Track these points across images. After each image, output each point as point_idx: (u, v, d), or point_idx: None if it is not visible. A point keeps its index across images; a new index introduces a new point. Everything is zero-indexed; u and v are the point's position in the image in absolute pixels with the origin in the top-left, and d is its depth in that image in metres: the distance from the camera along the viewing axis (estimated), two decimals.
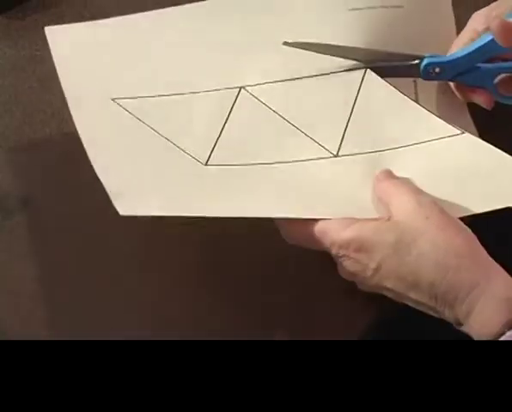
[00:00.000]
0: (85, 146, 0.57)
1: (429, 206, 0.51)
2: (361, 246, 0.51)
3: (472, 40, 0.62)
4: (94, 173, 0.65)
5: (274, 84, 0.61)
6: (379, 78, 0.61)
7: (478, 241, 0.51)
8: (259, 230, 0.58)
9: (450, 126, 0.58)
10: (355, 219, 0.53)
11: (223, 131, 0.59)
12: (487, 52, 0.61)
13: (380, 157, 0.57)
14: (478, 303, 0.49)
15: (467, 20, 0.64)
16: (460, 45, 0.63)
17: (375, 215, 0.54)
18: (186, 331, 0.58)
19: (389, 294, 0.53)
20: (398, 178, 0.55)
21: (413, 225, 0.51)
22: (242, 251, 0.61)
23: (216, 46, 0.64)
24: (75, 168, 0.66)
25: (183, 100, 0.61)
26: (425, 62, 0.62)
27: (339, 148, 0.58)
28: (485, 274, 0.49)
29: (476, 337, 0.49)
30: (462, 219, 0.52)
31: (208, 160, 0.58)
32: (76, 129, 0.67)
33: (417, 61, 0.62)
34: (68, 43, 0.64)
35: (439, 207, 0.52)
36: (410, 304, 0.52)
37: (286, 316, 0.59)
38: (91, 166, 0.65)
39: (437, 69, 0.62)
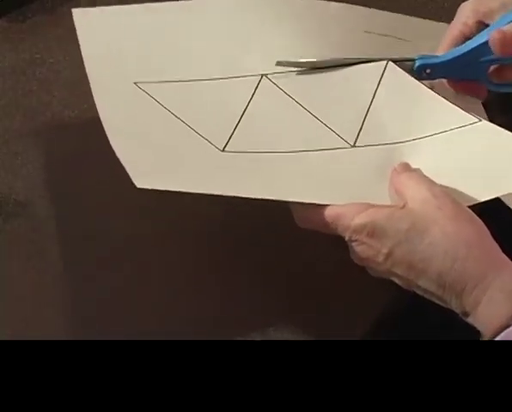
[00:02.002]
0: (104, 127, 0.57)
1: (442, 197, 0.52)
2: (374, 231, 0.52)
3: (463, 33, 0.62)
4: (95, 177, 0.65)
5: (295, 73, 0.61)
6: (400, 70, 0.61)
7: (488, 233, 0.51)
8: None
9: (468, 115, 0.59)
10: (369, 204, 0.53)
11: (243, 118, 0.59)
12: (480, 55, 0.61)
13: (398, 148, 0.58)
14: (485, 295, 0.49)
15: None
16: (451, 39, 0.63)
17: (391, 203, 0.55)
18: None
19: (399, 281, 0.53)
20: (414, 170, 0.56)
21: (426, 214, 0.51)
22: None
23: (240, 34, 0.65)
24: (75, 172, 0.66)
25: (204, 86, 0.61)
26: (417, 64, 0.62)
27: (357, 139, 0.58)
28: (494, 266, 0.50)
29: (482, 329, 0.49)
30: (474, 210, 0.53)
31: (225, 146, 0.58)
32: (76, 133, 0.68)
33: (409, 63, 0.62)
34: (94, 26, 0.64)
35: (452, 198, 0.52)
36: (418, 292, 0.53)
37: (287, 316, 0.59)
38: (91, 170, 0.66)
39: (428, 70, 0.62)
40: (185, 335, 0.58)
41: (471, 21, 0.62)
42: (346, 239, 0.53)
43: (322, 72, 0.61)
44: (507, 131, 0.57)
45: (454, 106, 0.59)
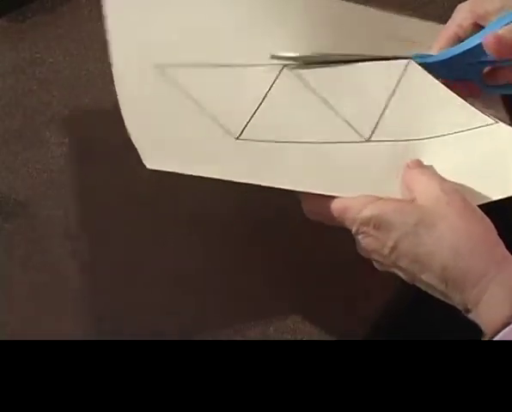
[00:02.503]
0: (120, 106, 0.57)
1: (451, 193, 0.52)
2: (381, 224, 0.52)
3: (457, 35, 0.62)
4: (95, 177, 0.65)
5: (315, 66, 0.61)
6: (421, 69, 0.61)
7: (495, 231, 0.52)
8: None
9: (485, 116, 0.59)
10: (377, 197, 0.53)
11: (260, 107, 0.59)
12: (474, 57, 0.61)
13: (412, 145, 0.58)
14: (487, 291, 0.49)
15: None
16: (445, 39, 0.63)
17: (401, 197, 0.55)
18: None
19: (403, 275, 0.53)
20: (427, 167, 0.56)
21: (434, 209, 0.52)
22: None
23: (265, 23, 0.64)
24: (75, 172, 0.66)
25: (225, 72, 0.61)
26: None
27: (372, 134, 0.58)
28: (497, 263, 0.50)
29: (483, 326, 0.50)
30: (482, 208, 0.53)
31: (240, 134, 0.58)
32: (76, 133, 0.68)
33: (404, 61, 0.62)
34: (122, 4, 0.64)
35: (461, 195, 0.53)
36: (421, 286, 0.53)
37: (286, 316, 0.59)
38: (91, 170, 0.66)
39: None
40: (186, 335, 0.58)
41: (466, 23, 0.62)
42: (353, 231, 0.54)
43: (343, 66, 0.62)
44: None
45: (471, 106, 0.59)
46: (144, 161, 0.53)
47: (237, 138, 0.58)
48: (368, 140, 0.58)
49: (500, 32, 0.58)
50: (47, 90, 0.70)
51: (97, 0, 0.76)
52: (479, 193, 0.55)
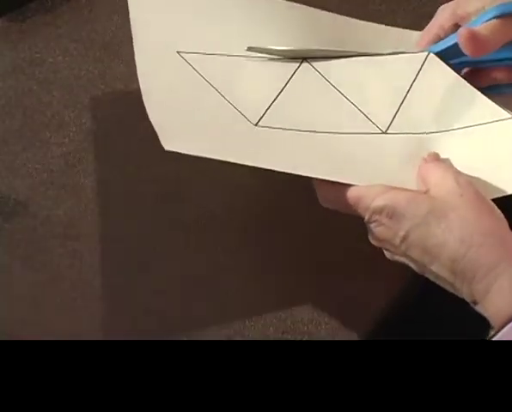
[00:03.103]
0: (142, 93, 0.57)
1: (465, 186, 0.52)
2: (393, 213, 0.52)
3: (438, 36, 0.62)
4: (95, 177, 0.65)
5: (335, 59, 0.62)
6: (441, 62, 0.61)
7: (507, 225, 0.51)
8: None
9: (503, 110, 0.58)
10: (391, 187, 0.54)
11: (279, 96, 0.60)
12: (451, 57, 0.60)
13: (429, 138, 0.58)
14: (495, 284, 0.49)
15: None
16: (427, 41, 0.63)
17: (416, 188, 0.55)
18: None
19: (413, 266, 0.53)
20: (443, 160, 0.56)
21: (447, 200, 0.52)
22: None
23: (285, 16, 0.66)
24: (75, 172, 0.66)
25: (246, 62, 0.62)
26: None
27: (389, 126, 0.59)
28: (507, 256, 0.50)
29: (490, 318, 0.50)
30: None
31: (258, 121, 0.58)
32: (76, 131, 0.68)
33: (424, 54, 0.61)
34: None
35: (475, 188, 0.53)
36: (431, 277, 0.53)
37: (286, 315, 0.59)
38: (91, 169, 0.66)
39: None
40: (185, 334, 0.58)
41: (448, 24, 0.62)
42: (366, 219, 0.54)
43: (361, 59, 0.62)
44: None
45: (489, 100, 0.59)
46: (162, 143, 0.53)
47: (256, 125, 0.58)
48: (386, 132, 0.58)
49: (476, 28, 0.57)
50: (47, 90, 0.70)
51: (97, 0, 0.77)
52: (494, 187, 0.55)
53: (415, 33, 0.66)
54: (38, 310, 0.59)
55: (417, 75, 0.61)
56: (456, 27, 0.61)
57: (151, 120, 0.55)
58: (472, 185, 0.53)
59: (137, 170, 0.66)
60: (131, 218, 0.63)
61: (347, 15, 0.68)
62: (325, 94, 0.60)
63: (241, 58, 0.62)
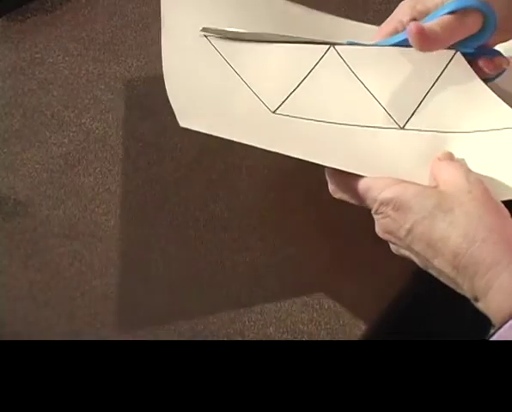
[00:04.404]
0: (164, 66, 0.59)
1: (475, 182, 0.52)
2: (400, 206, 0.52)
3: (396, 30, 0.61)
4: (95, 177, 0.65)
5: (364, 48, 0.61)
6: (467, 64, 0.60)
7: (507, 224, 0.51)
8: None
9: None
10: (400, 180, 0.54)
11: (301, 85, 0.60)
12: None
13: (445, 138, 0.58)
14: (496, 281, 0.49)
15: None
16: (384, 35, 0.62)
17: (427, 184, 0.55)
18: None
19: (416, 260, 0.54)
20: (456, 160, 0.56)
21: (454, 195, 0.52)
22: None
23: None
24: (75, 172, 0.66)
25: (271, 48, 0.62)
26: None
27: (407, 122, 0.59)
28: (510, 254, 0.49)
29: (491, 315, 0.50)
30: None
31: (277, 109, 0.59)
32: (76, 132, 0.68)
33: (451, 52, 0.60)
34: None
35: (484, 186, 0.53)
36: (434, 273, 0.53)
37: (286, 315, 0.59)
38: (91, 169, 0.66)
39: None
40: (185, 334, 0.58)
41: (406, 19, 0.60)
42: (373, 211, 0.54)
43: (390, 51, 0.61)
44: None
45: (507, 106, 0.59)
46: (179, 119, 0.54)
47: (274, 112, 0.59)
48: (403, 128, 0.58)
49: (426, 24, 0.56)
50: (47, 90, 0.70)
51: (97, 0, 0.77)
52: (505, 190, 0.54)
53: None
54: (38, 310, 0.59)
55: (441, 74, 0.60)
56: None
57: (169, 97, 0.56)
58: (482, 183, 0.53)
59: (136, 170, 0.66)
60: (130, 218, 0.63)
61: (347, 16, 0.68)
62: (347, 84, 0.60)
63: (266, 44, 0.62)
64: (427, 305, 0.62)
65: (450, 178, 0.53)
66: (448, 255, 0.50)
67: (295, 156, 0.55)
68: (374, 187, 0.54)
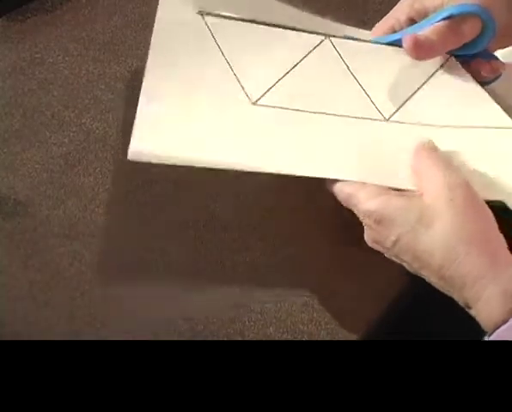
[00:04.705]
0: (147, 67, 0.59)
1: (456, 189, 0.52)
2: (381, 220, 0.52)
3: (393, 28, 0.61)
4: (95, 177, 0.65)
5: (359, 43, 0.62)
6: (460, 67, 0.60)
7: (496, 227, 0.51)
8: None
9: (509, 118, 0.58)
10: (384, 189, 0.53)
11: (288, 75, 0.59)
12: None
13: (431, 132, 0.58)
14: (484, 293, 0.49)
15: None
16: (380, 32, 0.62)
17: (409, 186, 0.54)
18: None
19: (407, 267, 0.54)
20: (435, 150, 0.55)
21: (435, 207, 0.51)
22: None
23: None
24: (75, 172, 0.66)
25: (265, 31, 0.61)
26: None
27: (393, 114, 0.59)
28: (495, 263, 0.50)
29: (482, 325, 0.50)
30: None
31: (258, 99, 0.58)
32: (76, 131, 0.68)
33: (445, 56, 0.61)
34: None
35: (466, 191, 0.52)
36: (425, 278, 0.53)
37: (286, 315, 0.59)
38: (91, 169, 0.66)
39: None
40: (185, 334, 0.58)
41: (404, 18, 0.61)
42: (360, 219, 0.54)
43: (384, 51, 0.61)
44: None
45: (497, 105, 0.59)
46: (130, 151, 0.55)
47: (254, 103, 0.58)
48: (387, 120, 0.58)
49: (421, 33, 0.56)
50: (47, 90, 0.70)
51: (97, 0, 0.77)
52: (490, 190, 0.54)
53: None
54: (38, 310, 0.59)
55: (434, 73, 0.60)
56: (412, 21, 0.60)
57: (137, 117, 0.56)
58: (464, 188, 0.52)
59: (136, 170, 0.66)
60: (130, 218, 0.63)
61: (347, 16, 0.68)
62: (337, 76, 0.60)
63: (260, 27, 0.61)
64: (427, 305, 0.61)
65: (430, 184, 0.53)
66: (434, 266, 0.51)
67: (269, 172, 0.54)
68: (357, 197, 0.53)
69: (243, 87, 0.59)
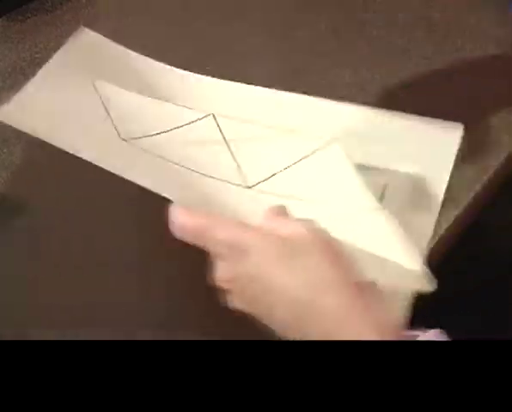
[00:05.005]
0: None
1: (314, 231, 0.49)
2: (237, 249, 0.50)
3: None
4: (94, 175, 0.65)
5: (242, 122, 0.61)
6: (343, 154, 0.58)
7: (351, 273, 0.49)
8: None
9: (376, 202, 0.57)
10: (241, 222, 0.51)
11: (163, 133, 0.60)
12: None
13: (293, 205, 0.55)
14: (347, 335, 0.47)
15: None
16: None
17: None
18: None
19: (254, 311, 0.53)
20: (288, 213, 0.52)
21: (294, 244, 0.49)
22: None
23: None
24: (74, 171, 0.66)
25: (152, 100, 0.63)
26: None
27: (257, 184, 0.58)
28: (351, 304, 0.47)
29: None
30: None
31: (133, 138, 0.59)
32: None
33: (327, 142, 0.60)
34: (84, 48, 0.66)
35: (324, 234, 0.50)
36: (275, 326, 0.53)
37: None
38: (90, 169, 0.66)
39: None
40: (184, 334, 0.58)
41: None
42: (211, 252, 0.52)
43: (268, 133, 0.61)
44: (401, 230, 0.55)
45: (368, 192, 0.57)
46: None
47: (124, 139, 0.59)
48: (250, 187, 0.58)
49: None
50: None
51: (97, 0, 0.77)
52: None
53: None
54: (38, 310, 0.59)
55: (310, 154, 0.59)
56: None
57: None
58: (321, 230, 0.50)
59: None
60: (130, 218, 0.63)
61: (347, 16, 0.68)
62: (210, 143, 0.59)
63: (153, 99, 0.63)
64: (425, 306, 0.62)
65: (290, 231, 0.49)
66: (288, 302, 0.49)
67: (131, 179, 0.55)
68: (213, 227, 0.50)
69: (116, 129, 0.60)
